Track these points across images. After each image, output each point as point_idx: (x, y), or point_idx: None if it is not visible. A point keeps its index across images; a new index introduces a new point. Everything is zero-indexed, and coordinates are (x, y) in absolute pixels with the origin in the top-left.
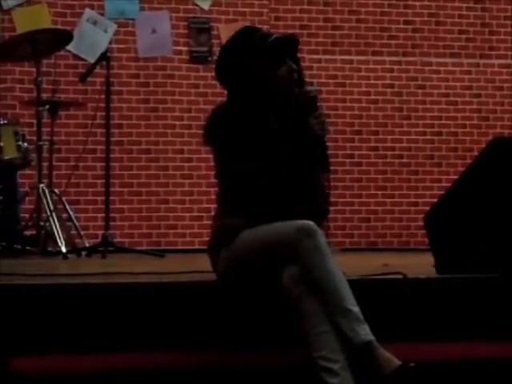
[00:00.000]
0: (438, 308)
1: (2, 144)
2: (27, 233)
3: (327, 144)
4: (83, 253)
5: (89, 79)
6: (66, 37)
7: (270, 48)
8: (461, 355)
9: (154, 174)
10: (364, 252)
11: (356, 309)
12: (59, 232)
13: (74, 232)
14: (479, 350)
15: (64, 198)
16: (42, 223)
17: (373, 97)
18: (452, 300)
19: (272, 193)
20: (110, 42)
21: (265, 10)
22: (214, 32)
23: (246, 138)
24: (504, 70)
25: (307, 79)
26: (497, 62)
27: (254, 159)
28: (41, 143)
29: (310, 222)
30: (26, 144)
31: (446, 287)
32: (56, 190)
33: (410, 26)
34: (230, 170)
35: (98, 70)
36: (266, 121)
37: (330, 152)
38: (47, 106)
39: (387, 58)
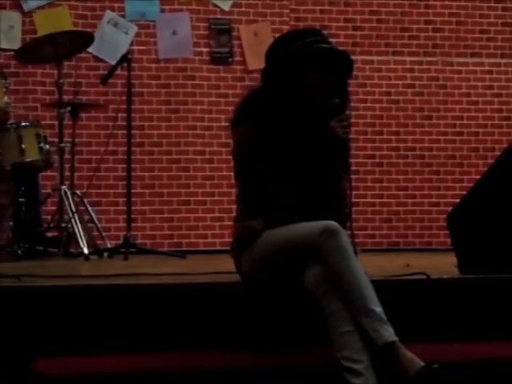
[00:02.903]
0: (462, 308)
1: (23, 146)
2: (49, 234)
3: (350, 147)
4: (105, 254)
5: (110, 81)
6: (87, 39)
7: (303, 54)
8: (484, 356)
9: (175, 175)
10: (386, 252)
11: (379, 309)
12: (81, 233)
13: (95, 233)
14: (503, 351)
15: (86, 200)
16: (63, 225)
17: (394, 97)
18: (475, 300)
19: (293, 195)
20: (131, 44)
21: (285, 11)
22: (235, 33)
23: (268, 138)
24: None
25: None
26: None
27: (274, 161)
28: (62, 145)
29: (333, 223)
30: (47, 146)
31: (470, 287)
32: (78, 192)
33: (430, 26)
34: (249, 171)
35: (118, 71)
36: (288, 123)
37: (351, 153)
38: (68, 108)
39: (408, 58)
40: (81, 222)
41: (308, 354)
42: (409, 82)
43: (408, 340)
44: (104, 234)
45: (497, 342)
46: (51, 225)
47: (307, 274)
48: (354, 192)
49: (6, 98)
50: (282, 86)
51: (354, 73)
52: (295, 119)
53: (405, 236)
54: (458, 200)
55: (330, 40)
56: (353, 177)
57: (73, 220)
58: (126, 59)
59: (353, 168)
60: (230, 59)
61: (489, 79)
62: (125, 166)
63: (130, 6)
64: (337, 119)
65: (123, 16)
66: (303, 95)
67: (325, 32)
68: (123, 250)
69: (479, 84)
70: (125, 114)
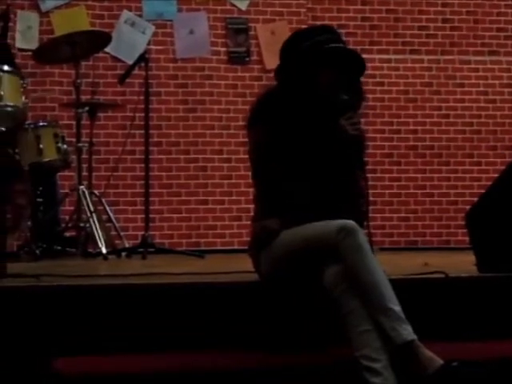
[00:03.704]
0: (480, 307)
1: (41, 146)
2: (67, 234)
3: (366, 145)
4: (123, 254)
5: (127, 81)
6: (104, 39)
7: (313, 53)
8: (503, 354)
9: (193, 175)
10: (404, 251)
11: (398, 308)
12: (99, 233)
13: (113, 233)
14: None
15: (104, 200)
16: (82, 224)
17: (411, 96)
18: (494, 299)
19: (308, 193)
20: (148, 44)
21: (302, 10)
22: (252, 32)
23: (282, 137)
24: None
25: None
26: None
27: (289, 160)
28: (80, 145)
29: (351, 221)
30: (65, 146)
31: (488, 286)
32: (96, 192)
33: (448, 25)
34: (265, 170)
35: (136, 71)
36: (301, 121)
37: (368, 151)
38: (86, 108)
39: (425, 57)
40: (99, 222)
41: (326, 354)
42: (426, 80)
43: (427, 339)
44: (122, 233)
45: None
46: (69, 225)
47: (325, 273)
48: (371, 191)
49: (23, 98)
50: (293, 84)
51: (372, 72)
52: (307, 117)
53: (423, 235)
54: (476, 198)
55: (343, 38)
56: (370, 176)
57: (91, 220)
58: (143, 59)
59: (370, 167)
60: (248, 58)
61: (506, 77)
62: (142, 165)
63: (148, 5)
64: (346, 117)
65: (140, 16)
66: (314, 93)
67: (341, 31)
68: (141, 249)
69: (497, 82)
70: (142, 114)
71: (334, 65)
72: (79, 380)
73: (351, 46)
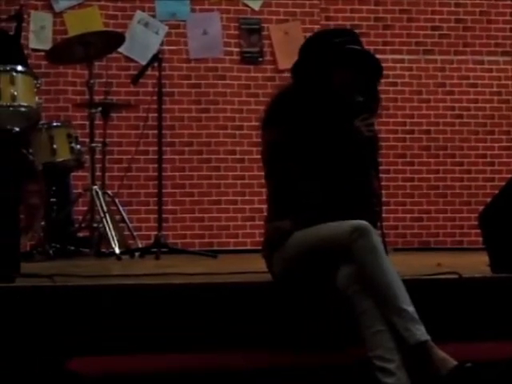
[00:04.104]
0: (494, 307)
1: (55, 146)
2: (81, 234)
3: (380, 146)
4: (136, 254)
5: (140, 81)
6: (117, 39)
7: (330, 53)
8: None
9: (206, 175)
10: (417, 252)
11: (411, 308)
12: (112, 233)
13: (127, 233)
14: None
15: (117, 200)
16: (95, 225)
17: (424, 96)
18: (508, 299)
19: (323, 194)
20: (162, 44)
21: (316, 10)
22: (265, 32)
23: (297, 137)
24: None
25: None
26: None
27: (304, 160)
28: (93, 145)
29: (364, 222)
30: (78, 146)
31: (502, 287)
32: (109, 192)
33: (461, 25)
34: (281, 170)
35: (149, 71)
36: (316, 122)
37: (381, 152)
38: (99, 108)
39: (438, 57)
40: (112, 222)
41: (340, 354)
42: (439, 80)
43: (440, 339)
44: (135, 233)
45: None
46: (82, 225)
47: (339, 274)
48: (384, 191)
49: (37, 98)
50: (309, 83)
51: (385, 72)
52: (322, 118)
53: (436, 235)
54: (489, 199)
55: (362, 41)
56: (383, 176)
57: (104, 220)
58: (156, 59)
59: (383, 167)
60: (261, 59)
61: None
62: (156, 165)
63: (161, 6)
64: (361, 118)
65: (154, 16)
66: (329, 93)
67: (356, 31)
68: (154, 249)
69: (510, 82)
70: (155, 114)
71: (350, 66)
72: (94, 380)
73: (364, 47)
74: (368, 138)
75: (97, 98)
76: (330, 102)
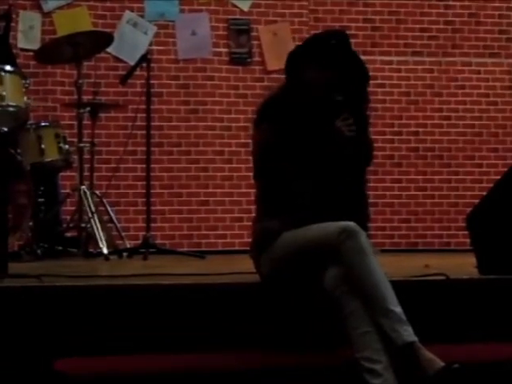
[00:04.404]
0: (481, 309)
1: (43, 146)
2: (69, 234)
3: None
4: (124, 254)
5: (129, 81)
6: (106, 39)
7: (304, 53)
8: (504, 356)
9: (194, 176)
10: (404, 253)
11: (398, 309)
12: (100, 233)
13: (115, 233)
14: None
15: (105, 200)
16: (83, 225)
17: (412, 97)
18: (495, 301)
19: (313, 195)
20: (150, 44)
21: (304, 11)
22: (254, 33)
23: (287, 136)
24: None
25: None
26: None
27: (293, 160)
28: (82, 145)
29: (352, 223)
30: (67, 146)
31: (489, 288)
32: (97, 192)
33: (449, 27)
34: (271, 170)
35: (138, 72)
36: (303, 122)
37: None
38: (88, 108)
39: (427, 59)
40: (100, 222)
41: (326, 355)
42: (428, 82)
43: (427, 340)
44: (123, 234)
45: None
46: (70, 225)
47: (326, 275)
48: (372, 192)
49: (25, 98)
50: (291, 84)
51: (374, 73)
52: (306, 118)
53: (423, 236)
54: (477, 200)
55: (351, 42)
56: (371, 177)
57: (92, 220)
58: (145, 59)
59: (371, 168)
60: (249, 59)
61: (508, 79)
62: (144, 166)
63: (150, 6)
64: (341, 118)
65: (142, 16)
66: (305, 93)
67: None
68: (142, 250)
69: (498, 84)
70: (144, 115)
71: (325, 64)
72: (82, 380)
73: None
74: (349, 138)
75: (85, 98)
76: (309, 102)
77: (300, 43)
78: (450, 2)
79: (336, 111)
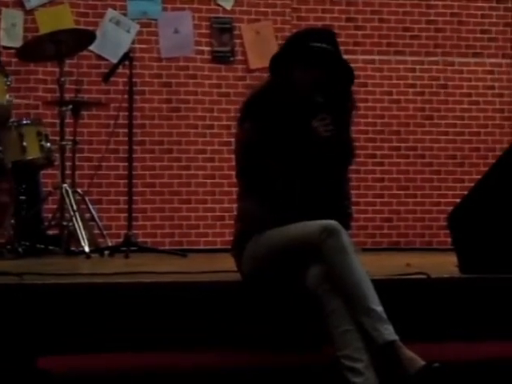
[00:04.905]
0: (462, 308)
1: (25, 144)
2: (50, 232)
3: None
4: (106, 252)
5: (111, 79)
6: (88, 37)
7: (291, 52)
8: (485, 355)
9: (177, 174)
10: (386, 252)
11: (380, 308)
12: (82, 232)
13: (96, 232)
14: (503, 350)
15: (87, 198)
16: (64, 223)
17: (395, 97)
18: (476, 300)
19: (295, 193)
20: (133, 42)
21: (287, 10)
22: (237, 32)
23: (269, 134)
24: None
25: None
26: None
27: (276, 158)
28: (64, 143)
29: (334, 222)
30: (48, 144)
31: (470, 287)
32: (79, 190)
33: (432, 26)
34: (258, 167)
35: (120, 70)
36: (285, 121)
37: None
38: (70, 106)
39: (409, 58)
40: (82, 221)
41: (308, 354)
42: (410, 81)
43: (408, 339)
44: (105, 232)
45: (497, 341)
46: (52, 223)
47: (308, 273)
48: (354, 191)
49: (7, 95)
50: (277, 82)
51: (356, 72)
52: (287, 117)
53: (405, 235)
54: (458, 200)
55: (338, 41)
56: (354, 176)
57: (74, 218)
58: (127, 57)
59: (353, 167)
60: (232, 58)
61: (490, 79)
62: (126, 164)
63: (132, 4)
64: (319, 118)
65: (125, 14)
66: (290, 92)
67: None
68: (124, 248)
69: (480, 84)
70: (126, 113)
71: (311, 65)
72: (64, 378)
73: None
74: (325, 138)
75: (67, 96)
76: (291, 100)
77: (284, 41)
78: (433, 2)
79: (315, 112)
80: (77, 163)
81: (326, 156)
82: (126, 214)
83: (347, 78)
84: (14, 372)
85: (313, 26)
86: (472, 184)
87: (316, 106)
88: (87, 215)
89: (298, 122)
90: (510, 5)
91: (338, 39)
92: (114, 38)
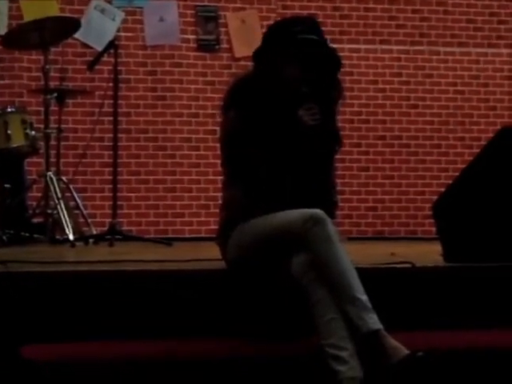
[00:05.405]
0: (446, 297)
1: (9, 132)
2: (35, 220)
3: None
4: (90, 241)
5: (96, 67)
6: (73, 25)
7: (281, 44)
8: (469, 344)
9: (162, 163)
10: (371, 241)
11: (364, 297)
12: (67, 220)
13: (81, 220)
14: (487, 339)
15: (71, 186)
16: (49, 211)
17: (380, 86)
18: (460, 289)
19: (281, 182)
20: (118, 30)
21: None
22: (222, 20)
23: (254, 123)
24: None
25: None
26: (505, 51)
27: (260, 147)
28: (48, 131)
29: (319, 211)
30: (33, 132)
31: (454, 276)
32: (64, 178)
33: (417, 15)
34: (242, 156)
35: (105, 58)
36: (270, 110)
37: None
38: (55, 94)
39: (395, 47)
40: (66, 209)
41: (294, 343)
42: (396, 70)
43: (393, 328)
44: (90, 220)
45: (481, 330)
46: (37, 211)
47: (293, 262)
48: (340, 180)
49: None
50: (263, 72)
51: (341, 61)
52: (272, 106)
53: (390, 224)
54: (443, 189)
55: (321, 30)
56: (339, 165)
57: (58, 206)
58: (112, 45)
59: (338, 156)
60: (217, 46)
61: (475, 69)
62: (111, 152)
63: None
64: (306, 107)
65: (110, 2)
66: (278, 84)
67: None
68: (109, 236)
69: (466, 73)
70: (111, 101)
71: (301, 56)
72: (48, 367)
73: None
74: (311, 126)
75: (52, 83)
76: (278, 92)
77: (267, 31)
78: None
79: (301, 101)
80: (61, 151)
81: (311, 145)
82: (110, 203)
83: (334, 66)
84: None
85: (296, 15)
86: (457, 173)
87: (302, 96)
88: (72, 203)
89: (284, 111)
90: None
91: (324, 28)
92: (99, 25)
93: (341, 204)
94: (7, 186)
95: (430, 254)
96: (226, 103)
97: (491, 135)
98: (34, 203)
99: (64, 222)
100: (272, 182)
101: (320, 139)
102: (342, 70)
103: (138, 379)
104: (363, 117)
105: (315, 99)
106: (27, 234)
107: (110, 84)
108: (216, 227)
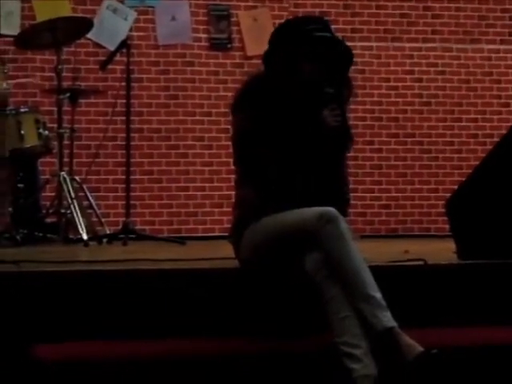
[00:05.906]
0: (460, 294)
1: (22, 132)
2: (48, 220)
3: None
4: (104, 240)
5: (109, 67)
6: (86, 25)
7: (300, 43)
8: (483, 341)
9: (174, 162)
10: (384, 239)
11: (378, 295)
12: (80, 219)
13: (94, 219)
14: (501, 336)
15: (85, 186)
16: (63, 211)
17: (392, 83)
18: (474, 286)
19: (293, 181)
20: (130, 30)
21: None
22: (234, 19)
23: (267, 123)
24: None
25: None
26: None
27: (273, 147)
28: (61, 131)
29: (332, 209)
30: (46, 132)
31: (468, 273)
32: (77, 178)
33: (429, 12)
34: (253, 155)
35: (118, 57)
36: (285, 110)
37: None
38: (68, 94)
39: (407, 45)
40: (80, 208)
41: (307, 340)
42: (408, 68)
43: (407, 326)
44: (103, 220)
45: (495, 327)
46: (50, 211)
47: (307, 260)
48: (352, 178)
49: (5, 83)
50: (279, 72)
51: (354, 59)
52: (291, 106)
53: (403, 222)
54: (456, 186)
55: (332, 28)
56: (352, 163)
57: (72, 206)
58: (125, 45)
59: (352, 154)
60: (229, 45)
61: (488, 65)
62: (124, 152)
63: None
64: (329, 108)
65: (122, 2)
66: (298, 84)
67: (325, 18)
68: (122, 235)
69: (478, 70)
70: (124, 100)
71: (319, 59)
72: (57, 367)
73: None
74: (334, 127)
75: (65, 83)
76: (299, 92)
77: (277, 30)
78: None
79: (325, 103)
80: (75, 151)
81: (331, 145)
82: (124, 202)
83: (346, 64)
84: (8, 361)
85: (305, 15)
86: (470, 170)
87: (326, 97)
88: (85, 203)
89: (305, 111)
90: None
91: (336, 26)
92: (112, 25)
93: (354, 202)
94: (21, 185)
95: (444, 251)
96: (237, 103)
97: (504, 132)
98: (48, 203)
99: (77, 221)
100: (282, 182)
101: (336, 139)
102: (354, 67)
103: (149, 379)
104: (376, 114)
105: (338, 100)
106: (41, 234)
107: (123, 83)
108: (229, 226)
